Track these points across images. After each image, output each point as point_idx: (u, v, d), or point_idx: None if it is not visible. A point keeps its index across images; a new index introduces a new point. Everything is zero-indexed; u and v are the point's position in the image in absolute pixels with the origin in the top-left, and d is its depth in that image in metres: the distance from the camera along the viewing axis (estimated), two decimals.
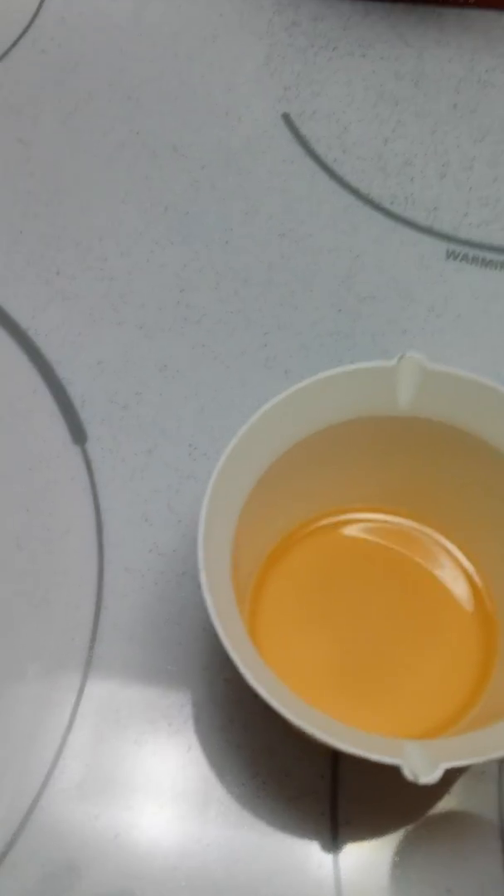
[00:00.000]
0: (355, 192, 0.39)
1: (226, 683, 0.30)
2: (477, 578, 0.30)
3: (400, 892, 0.27)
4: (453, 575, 0.30)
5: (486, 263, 0.37)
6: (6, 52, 0.41)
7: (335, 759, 0.28)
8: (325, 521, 0.31)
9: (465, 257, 0.37)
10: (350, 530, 0.31)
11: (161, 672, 0.30)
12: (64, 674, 0.30)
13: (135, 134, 0.40)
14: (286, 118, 0.40)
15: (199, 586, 0.31)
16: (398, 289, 0.36)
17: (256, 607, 0.30)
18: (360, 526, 0.31)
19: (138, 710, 0.29)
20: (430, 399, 0.28)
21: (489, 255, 0.37)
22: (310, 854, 0.27)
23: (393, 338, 0.35)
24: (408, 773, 0.22)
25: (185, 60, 0.42)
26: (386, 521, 0.31)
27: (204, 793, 0.28)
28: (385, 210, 0.38)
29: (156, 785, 0.28)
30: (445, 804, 0.28)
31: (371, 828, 0.28)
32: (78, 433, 0.33)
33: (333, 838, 0.28)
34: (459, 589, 0.30)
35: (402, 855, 0.27)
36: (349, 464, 0.30)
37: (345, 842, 0.27)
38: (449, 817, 0.28)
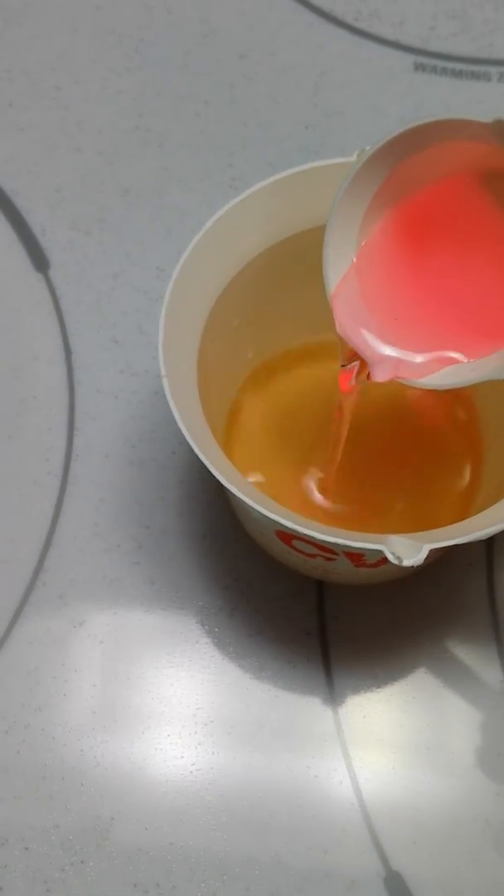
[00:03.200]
0: (317, 11, 0.37)
1: (204, 495, 0.29)
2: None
3: (395, 711, 0.26)
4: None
5: (455, 74, 0.36)
6: None
7: (321, 594, 0.28)
8: (297, 347, 0.30)
9: (433, 69, 0.36)
10: (323, 359, 0.30)
11: (137, 487, 0.29)
12: (40, 493, 0.29)
13: None
14: None
15: None
16: (367, 103, 0.35)
17: (232, 436, 0.29)
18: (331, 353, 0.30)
19: (116, 524, 0.28)
20: None
21: (458, 66, 0.36)
22: (309, 701, 0.27)
23: None
24: (391, 557, 0.21)
25: None
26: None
27: (180, 606, 0.28)
28: (349, 26, 0.37)
29: (140, 595, 0.28)
30: (438, 610, 0.28)
31: (362, 647, 0.27)
32: (40, 261, 0.32)
33: (328, 678, 0.27)
34: (440, 406, 0.29)
35: (395, 671, 0.27)
36: (316, 283, 0.28)
37: (340, 676, 0.27)
38: (441, 619, 0.28)
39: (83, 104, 0.35)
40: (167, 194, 0.33)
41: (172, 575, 0.28)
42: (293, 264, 0.27)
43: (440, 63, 0.36)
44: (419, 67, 0.36)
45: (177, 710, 0.26)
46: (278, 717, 0.26)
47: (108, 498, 0.29)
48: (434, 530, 0.23)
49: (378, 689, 0.27)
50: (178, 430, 0.29)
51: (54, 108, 0.35)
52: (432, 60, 0.36)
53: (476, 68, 0.36)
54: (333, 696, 0.26)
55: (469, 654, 0.27)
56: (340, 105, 0.35)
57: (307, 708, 0.26)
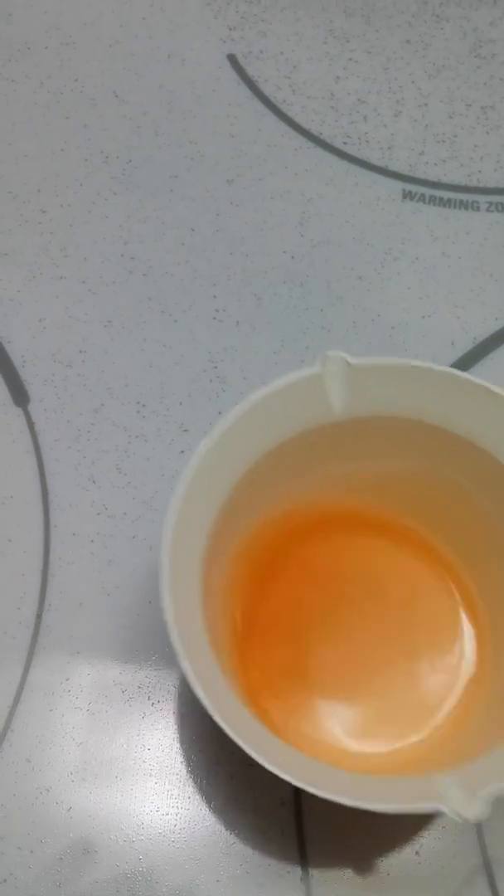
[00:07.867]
0: (306, 134, 0.37)
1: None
2: (461, 574, 0.28)
3: None
4: (431, 571, 0.28)
5: (443, 203, 0.35)
6: None
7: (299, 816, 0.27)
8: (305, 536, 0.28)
9: (421, 197, 0.35)
10: (331, 544, 0.28)
11: (111, 638, 0.28)
12: (10, 644, 0.28)
13: (73, 81, 0.38)
14: (232, 59, 0.38)
15: (150, 549, 0.29)
16: (353, 232, 0.35)
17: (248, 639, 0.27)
18: (339, 538, 0.29)
19: (88, 679, 0.28)
20: (364, 395, 0.25)
21: (446, 194, 0.36)
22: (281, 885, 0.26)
23: (348, 283, 0.34)
24: (453, 815, 0.20)
25: (125, 2, 0.40)
26: (368, 523, 0.29)
27: (150, 775, 0.27)
28: (338, 151, 0.36)
29: (109, 761, 0.27)
30: (420, 820, 0.27)
31: (340, 854, 0.26)
32: (19, 394, 0.32)
33: (303, 867, 0.26)
34: (438, 584, 0.28)
35: (375, 877, 0.26)
36: (308, 480, 0.27)
37: (315, 868, 0.26)
38: (424, 834, 0.27)
39: (68, 229, 0.35)
40: (150, 325, 0.33)
41: (143, 739, 0.27)
42: (279, 470, 0.26)
43: (428, 191, 0.36)
44: (407, 195, 0.36)
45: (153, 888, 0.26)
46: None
47: (81, 651, 0.28)
48: (480, 761, 0.21)
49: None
50: (155, 581, 0.29)
51: (38, 234, 0.34)
52: (420, 188, 0.36)
53: (464, 196, 0.36)
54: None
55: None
56: (327, 234, 0.35)
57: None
